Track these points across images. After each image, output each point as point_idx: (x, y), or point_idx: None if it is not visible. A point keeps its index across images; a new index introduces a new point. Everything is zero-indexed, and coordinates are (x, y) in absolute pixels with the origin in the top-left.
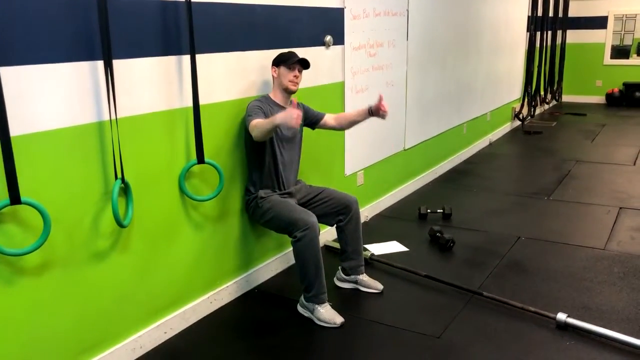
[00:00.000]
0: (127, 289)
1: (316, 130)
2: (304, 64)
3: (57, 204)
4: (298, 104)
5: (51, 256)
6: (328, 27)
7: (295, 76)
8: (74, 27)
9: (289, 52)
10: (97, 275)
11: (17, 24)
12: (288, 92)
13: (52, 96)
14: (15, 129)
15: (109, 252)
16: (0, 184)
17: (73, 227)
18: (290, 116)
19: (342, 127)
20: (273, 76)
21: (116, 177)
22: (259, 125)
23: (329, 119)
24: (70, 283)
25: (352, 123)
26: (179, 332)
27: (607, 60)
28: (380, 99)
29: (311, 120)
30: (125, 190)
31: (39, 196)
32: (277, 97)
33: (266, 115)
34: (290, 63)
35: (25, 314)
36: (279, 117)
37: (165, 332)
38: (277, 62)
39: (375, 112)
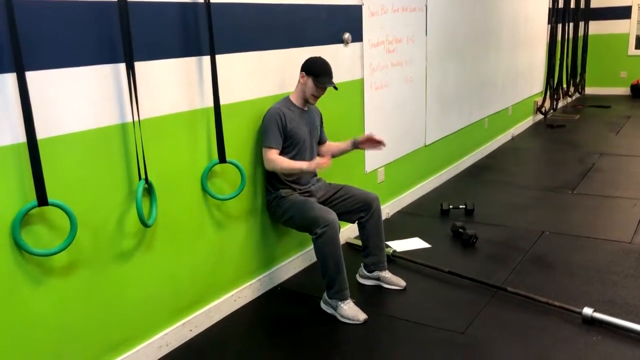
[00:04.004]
0: (153, 288)
1: (336, 128)
2: (334, 87)
3: (83, 205)
4: (317, 109)
5: (78, 256)
6: (346, 24)
7: (319, 93)
8: (96, 31)
9: (325, 65)
10: (123, 274)
11: (42, 29)
12: (307, 103)
13: (76, 99)
14: (42, 131)
15: (134, 252)
16: (28, 186)
17: (98, 227)
18: (319, 165)
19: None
20: (300, 79)
21: (140, 178)
22: (279, 166)
23: (324, 146)
24: (97, 282)
25: (333, 155)
26: (203, 330)
27: (632, 50)
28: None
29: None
30: (149, 190)
31: (65, 197)
32: (298, 100)
33: (285, 129)
34: (321, 84)
35: (55, 312)
36: (309, 167)
37: (191, 330)
38: (309, 71)
39: (362, 143)
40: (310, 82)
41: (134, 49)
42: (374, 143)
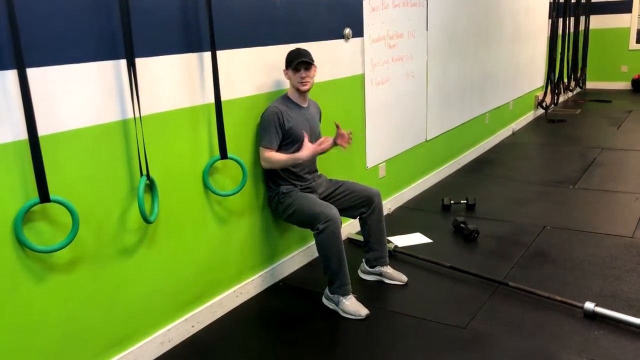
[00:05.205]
0: (155, 284)
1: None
2: (308, 63)
3: (85, 201)
4: (316, 105)
5: (80, 253)
6: (347, 19)
7: (302, 77)
8: (97, 27)
9: (296, 50)
10: (125, 270)
11: (42, 26)
12: (300, 92)
13: (77, 96)
14: (43, 128)
15: (136, 248)
16: (30, 183)
17: (101, 223)
18: (314, 151)
19: None
20: (285, 76)
21: (141, 174)
22: (275, 163)
23: None
24: (100, 278)
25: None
26: (206, 326)
27: (633, 45)
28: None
29: None
30: (151, 186)
31: (67, 194)
32: (294, 96)
33: (283, 127)
34: (293, 67)
35: (57, 309)
36: (304, 156)
37: (193, 326)
38: (286, 64)
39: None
40: (289, 72)
41: (135, 45)
42: (343, 137)
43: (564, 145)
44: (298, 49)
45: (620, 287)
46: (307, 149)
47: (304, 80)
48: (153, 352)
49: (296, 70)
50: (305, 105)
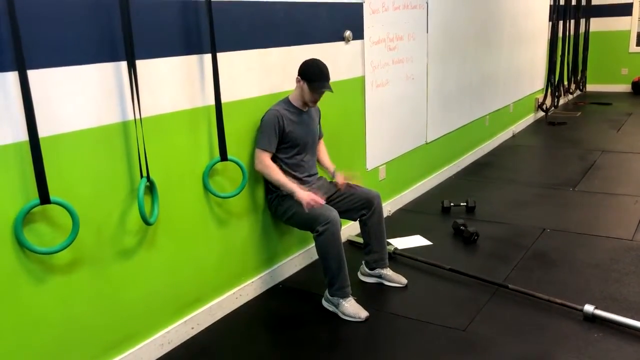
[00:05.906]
0: (155, 286)
1: (337, 126)
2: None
3: (85, 202)
4: (316, 108)
5: (80, 254)
6: (347, 22)
7: (316, 98)
8: (97, 29)
9: (322, 71)
10: (125, 272)
11: (43, 28)
12: (307, 105)
13: (78, 97)
14: (44, 130)
15: (136, 250)
16: (30, 184)
17: (101, 225)
18: (308, 201)
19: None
20: (296, 83)
21: (141, 176)
22: (272, 175)
23: (319, 145)
24: (99, 280)
25: (319, 163)
26: (205, 328)
27: (633, 47)
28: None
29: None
30: (151, 188)
31: (67, 195)
32: (297, 102)
33: (283, 132)
34: (315, 90)
35: (57, 310)
36: (299, 195)
37: (193, 328)
38: (303, 76)
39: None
40: (305, 87)
41: (136, 47)
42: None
43: (564, 148)
44: (324, 71)
45: (619, 290)
46: (305, 195)
47: (317, 100)
48: (152, 354)
49: (315, 90)
50: (306, 109)
